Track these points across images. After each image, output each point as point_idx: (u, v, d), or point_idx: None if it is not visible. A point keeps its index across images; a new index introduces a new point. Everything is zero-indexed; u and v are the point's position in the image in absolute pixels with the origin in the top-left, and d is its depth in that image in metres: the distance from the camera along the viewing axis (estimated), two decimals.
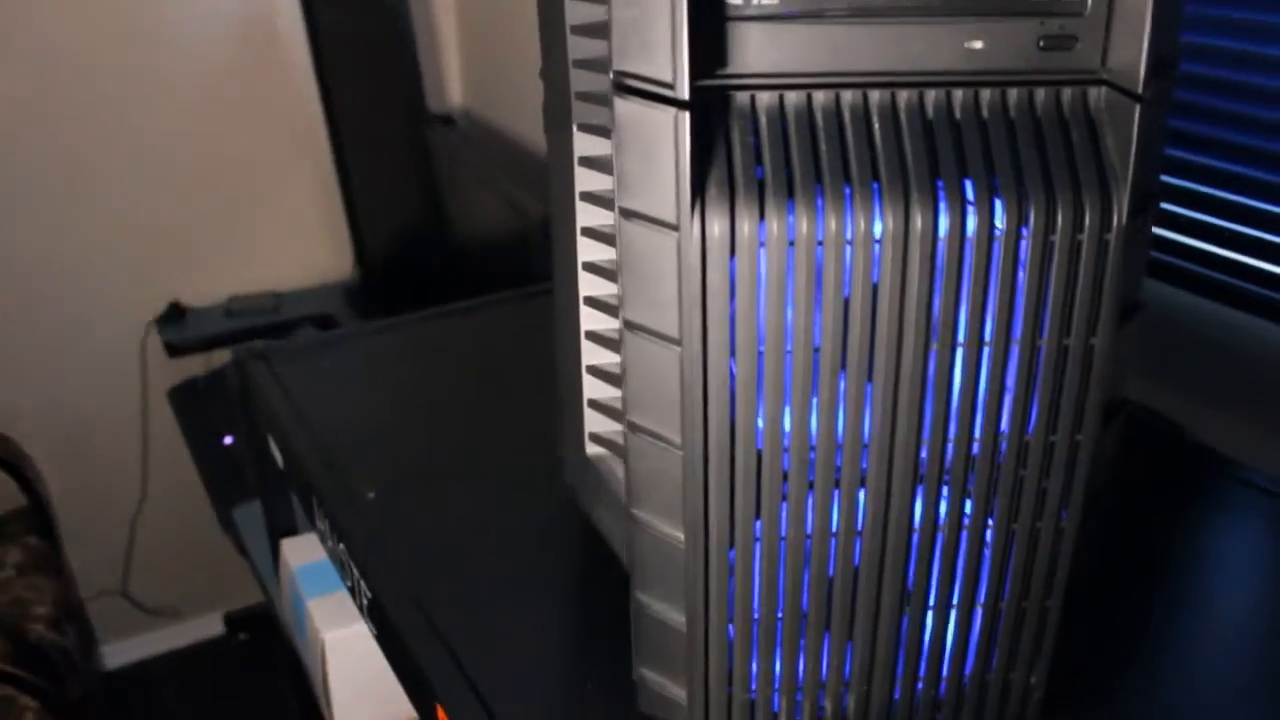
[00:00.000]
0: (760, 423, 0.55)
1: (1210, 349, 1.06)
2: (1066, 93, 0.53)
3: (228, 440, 1.86)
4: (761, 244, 0.51)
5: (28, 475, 1.95)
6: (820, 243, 0.51)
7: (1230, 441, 0.99)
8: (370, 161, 2.01)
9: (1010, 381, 0.55)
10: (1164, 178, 1.09)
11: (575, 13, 0.67)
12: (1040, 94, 0.53)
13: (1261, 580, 0.80)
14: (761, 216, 0.50)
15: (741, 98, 0.51)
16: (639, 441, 0.57)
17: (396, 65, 1.77)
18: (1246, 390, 1.03)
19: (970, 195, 0.51)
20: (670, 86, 0.49)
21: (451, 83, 2.18)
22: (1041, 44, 0.52)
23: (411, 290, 1.98)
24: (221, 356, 2.08)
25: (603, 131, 0.67)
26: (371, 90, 1.91)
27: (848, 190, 0.51)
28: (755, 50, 0.51)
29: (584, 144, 0.70)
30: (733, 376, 0.53)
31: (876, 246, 0.51)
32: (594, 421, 0.78)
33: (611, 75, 0.51)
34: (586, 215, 0.72)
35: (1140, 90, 0.50)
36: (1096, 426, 0.57)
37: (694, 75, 0.50)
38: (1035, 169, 0.51)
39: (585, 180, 0.71)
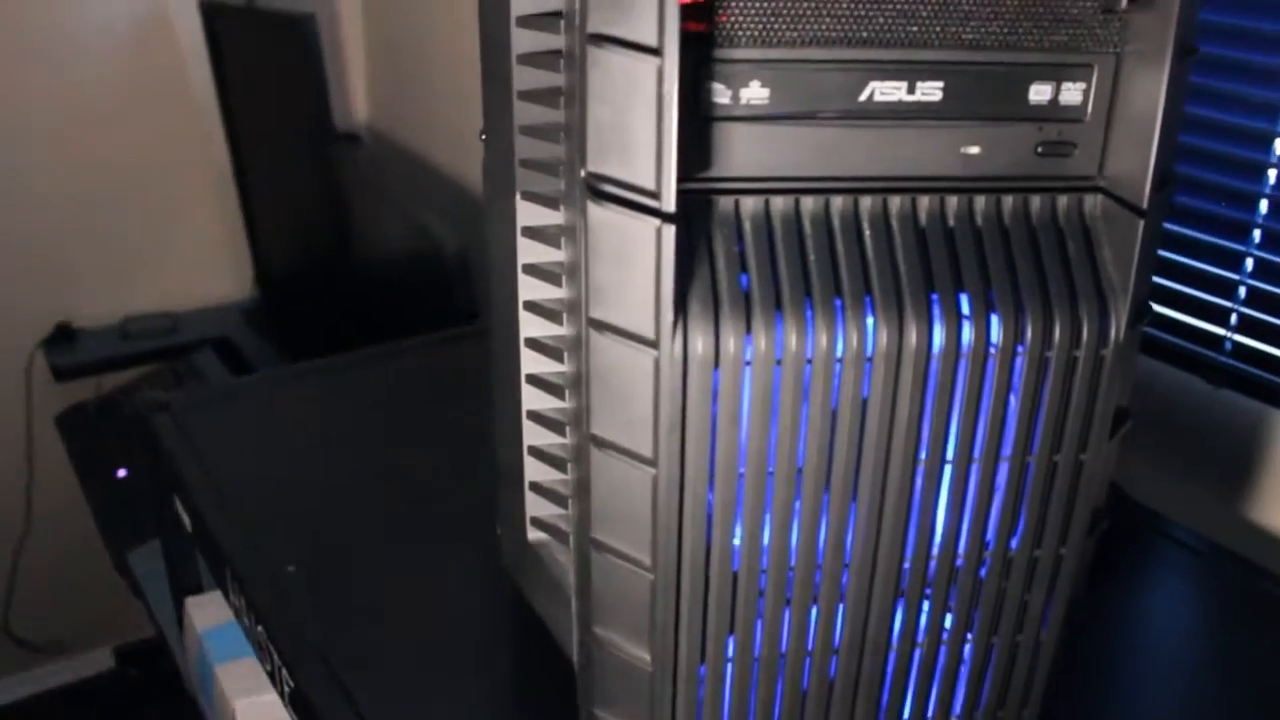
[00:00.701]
0: (738, 541, 0.51)
1: (1149, 405, 1.06)
2: (1062, 199, 0.50)
3: (122, 473, 1.76)
4: (747, 362, 0.47)
5: None
6: (809, 361, 0.47)
7: (1162, 497, 0.99)
8: (272, 179, 1.93)
9: (998, 497, 0.52)
10: None
11: (524, 78, 0.63)
12: (1036, 200, 0.50)
13: (1194, 638, 0.80)
14: (748, 331, 0.47)
15: (725, 202, 0.48)
16: (604, 561, 0.53)
17: (301, 81, 1.70)
18: (1180, 447, 1.03)
19: (966, 310, 0.48)
20: (654, 196, 0.45)
21: (357, 99, 2.11)
22: (1040, 150, 0.49)
23: (314, 314, 1.90)
24: (114, 380, 1.98)
25: (550, 202, 0.63)
26: (274, 106, 1.84)
27: (838, 304, 0.47)
28: (741, 152, 0.47)
29: (528, 214, 0.65)
30: (711, 499, 0.50)
31: (868, 364, 0.48)
32: (536, 505, 0.73)
33: (584, 174, 0.47)
34: (529, 289, 0.67)
35: (1145, 205, 0.48)
36: (1081, 539, 0.54)
37: (676, 177, 0.46)
38: (1032, 282, 0.49)
39: (529, 252, 0.66)
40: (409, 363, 1.17)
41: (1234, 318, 1.00)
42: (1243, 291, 0.99)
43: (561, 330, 0.63)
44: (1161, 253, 1.04)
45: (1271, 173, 0.95)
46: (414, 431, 1.03)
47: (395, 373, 1.15)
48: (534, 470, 0.72)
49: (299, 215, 1.90)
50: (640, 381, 0.48)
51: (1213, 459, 1.01)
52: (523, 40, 0.60)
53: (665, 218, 0.45)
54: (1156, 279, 1.05)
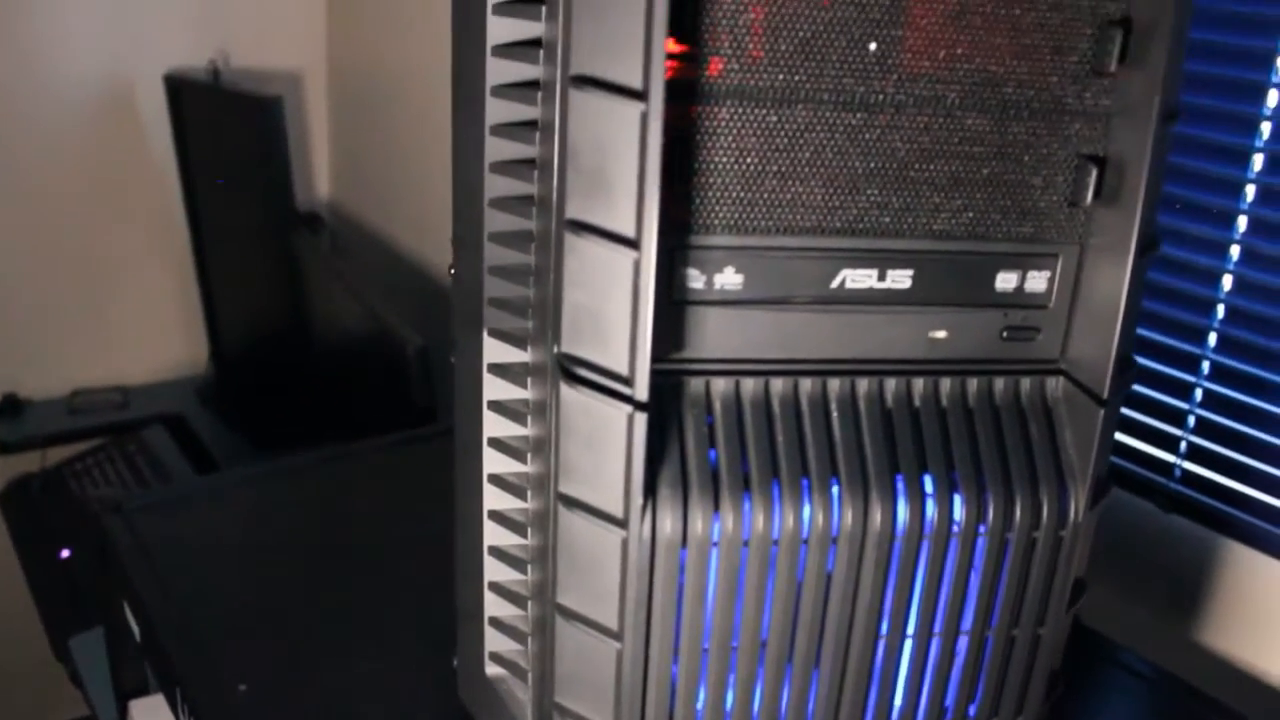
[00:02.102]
0: (700, 707, 0.51)
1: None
2: (1026, 382, 0.51)
3: (65, 554, 1.73)
4: (714, 543, 0.47)
5: None
6: (775, 541, 0.48)
7: (1112, 621, 1.00)
8: (231, 256, 1.92)
9: (957, 667, 0.53)
10: None
11: (494, 221, 0.63)
12: (1000, 383, 0.51)
13: None
14: (715, 512, 0.47)
15: (696, 383, 0.48)
16: None
17: (264, 162, 1.70)
18: (1132, 570, 1.04)
19: (930, 490, 0.49)
20: (628, 383, 0.45)
21: (321, 178, 2.11)
22: (1004, 334, 0.50)
23: (269, 395, 1.89)
24: (58, 454, 1.95)
25: (517, 341, 0.64)
26: (236, 184, 1.83)
27: (805, 484, 0.48)
28: (713, 335, 0.48)
29: (495, 351, 0.66)
30: (675, 671, 0.50)
31: (832, 546, 0.48)
32: (495, 640, 0.73)
33: (556, 351, 0.47)
34: (493, 425, 0.67)
35: (1105, 395, 0.49)
36: (1038, 705, 0.55)
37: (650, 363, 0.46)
38: (995, 464, 0.50)
39: (494, 389, 0.67)
40: (366, 466, 1.16)
41: (1183, 445, 1.02)
42: (1192, 420, 1.01)
43: (521, 468, 0.63)
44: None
45: (1220, 307, 0.97)
46: (371, 542, 1.02)
47: (353, 477, 1.14)
48: (494, 605, 0.72)
49: (257, 294, 1.89)
50: (608, 558, 0.48)
51: (1163, 583, 1.03)
52: (496, 185, 0.61)
53: (638, 405, 0.45)
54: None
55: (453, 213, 0.70)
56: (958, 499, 0.49)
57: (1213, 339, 0.99)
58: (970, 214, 0.48)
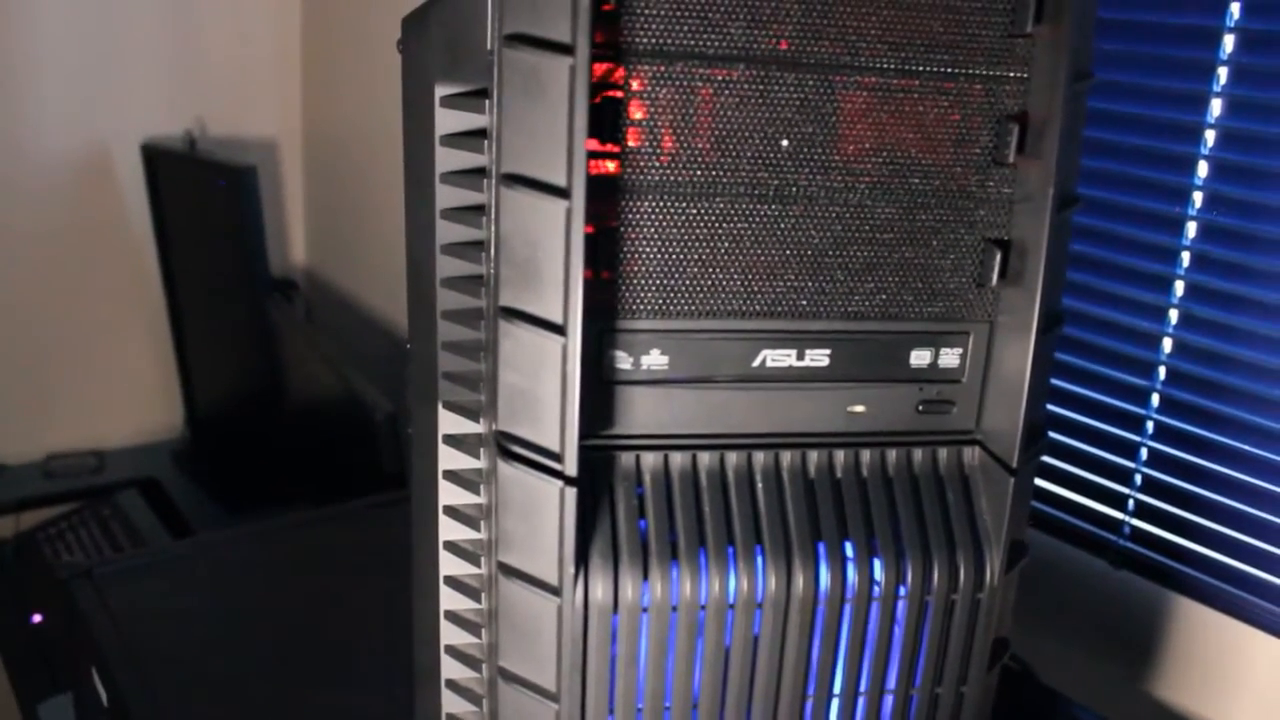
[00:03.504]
0: None
1: (1055, 585, 1.10)
2: (943, 452, 0.54)
3: (37, 619, 1.73)
4: (644, 608, 0.50)
5: None
6: (703, 606, 0.50)
7: (1067, 678, 1.02)
8: (206, 322, 1.94)
9: None
10: None
11: (446, 299, 0.66)
12: (918, 454, 0.54)
13: None
14: (645, 579, 0.50)
15: (627, 457, 0.51)
16: None
17: (239, 230, 1.73)
18: (1085, 627, 1.06)
19: (850, 555, 0.52)
20: (558, 458, 0.48)
21: (296, 245, 2.14)
22: (920, 408, 0.53)
23: (243, 460, 1.90)
24: (32, 518, 1.95)
25: (470, 413, 0.66)
26: (212, 250, 1.86)
27: (730, 551, 0.50)
28: (642, 412, 0.51)
29: (449, 423, 0.68)
30: None
31: (758, 610, 0.51)
32: (451, 702, 0.75)
33: (494, 432, 0.50)
34: (448, 494, 0.70)
35: (1014, 464, 0.52)
36: None
37: (580, 436, 0.49)
38: (913, 530, 0.52)
39: (449, 459, 0.69)
40: (335, 531, 1.18)
41: (1131, 503, 1.05)
42: (1138, 479, 1.04)
43: (474, 535, 0.65)
44: (1063, 438, 1.09)
45: (1161, 369, 1.00)
46: (338, 606, 1.04)
47: (321, 542, 1.16)
48: (450, 668, 0.74)
49: (232, 359, 1.91)
50: (544, 624, 0.50)
51: (1115, 639, 1.05)
52: (447, 266, 0.64)
53: (568, 480, 0.48)
54: (1058, 464, 1.10)
55: (407, 291, 0.73)
56: (878, 564, 0.52)
57: (1155, 399, 1.02)
58: (883, 296, 0.51)
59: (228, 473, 1.93)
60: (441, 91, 0.56)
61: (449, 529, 0.70)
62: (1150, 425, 1.03)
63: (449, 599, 0.72)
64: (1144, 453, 1.03)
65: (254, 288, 1.75)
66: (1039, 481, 1.11)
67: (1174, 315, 0.99)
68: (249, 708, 0.91)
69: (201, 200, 1.83)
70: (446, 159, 0.57)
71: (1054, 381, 1.09)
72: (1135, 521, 1.05)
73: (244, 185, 1.69)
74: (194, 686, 0.93)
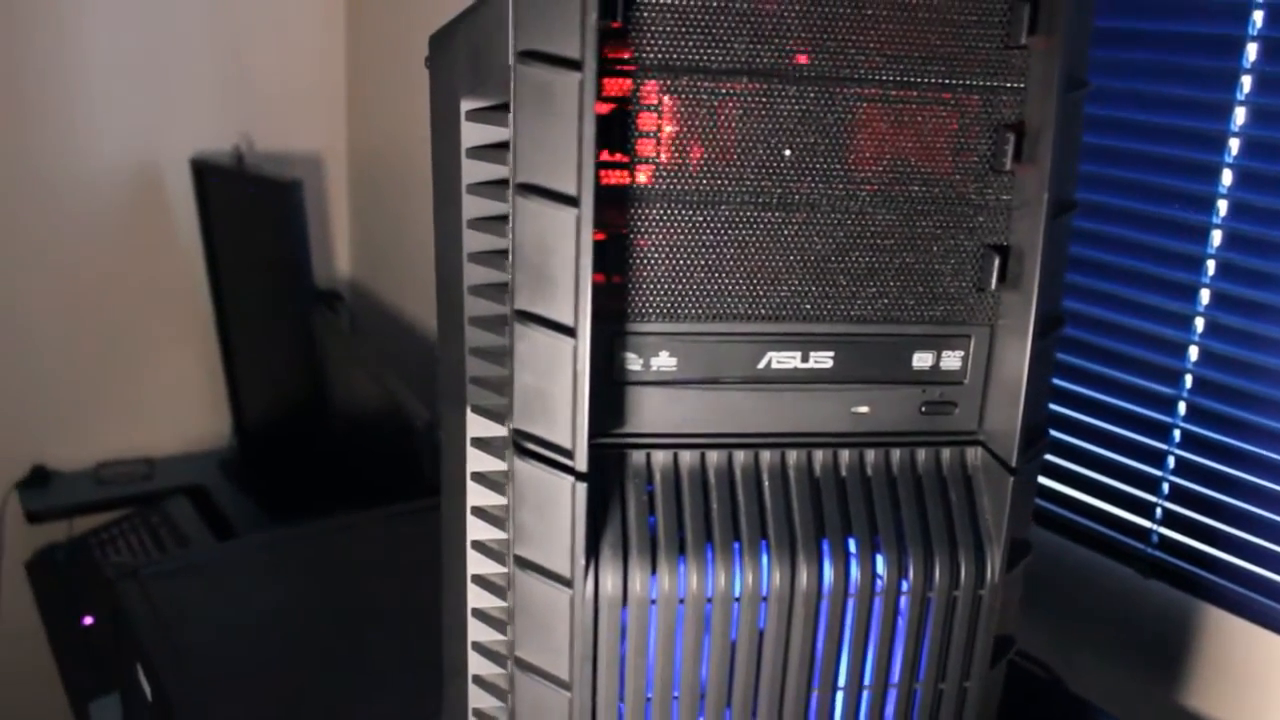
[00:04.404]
0: None
1: (1085, 595, 1.10)
2: (946, 452, 0.55)
3: (88, 621, 1.78)
4: (653, 600, 0.52)
5: None
6: (709, 599, 0.52)
7: (1098, 687, 1.03)
8: (253, 332, 1.99)
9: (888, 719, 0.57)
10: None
11: (473, 306, 0.68)
12: (921, 454, 0.55)
13: None
14: (653, 572, 0.52)
15: (638, 455, 0.53)
16: None
17: (284, 242, 1.77)
18: (1115, 637, 1.07)
19: (854, 552, 0.53)
20: (569, 455, 0.50)
21: (341, 257, 2.18)
22: (923, 409, 0.55)
23: (288, 468, 1.94)
24: (84, 524, 2.00)
25: (497, 417, 0.68)
26: (258, 262, 1.90)
27: (736, 547, 0.52)
28: (652, 412, 0.53)
29: (477, 426, 0.70)
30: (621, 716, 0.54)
31: (763, 603, 0.53)
32: (478, 697, 0.77)
33: (511, 430, 0.52)
34: (476, 495, 0.72)
35: (1014, 464, 0.53)
36: None
37: (592, 435, 0.51)
38: (915, 528, 0.54)
39: (477, 461, 0.71)
40: (374, 535, 1.21)
41: (1159, 511, 1.05)
42: (1166, 487, 1.05)
43: (506, 535, 0.67)
44: (1090, 446, 1.10)
45: (1188, 377, 1.01)
46: (376, 607, 1.07)
47: (360, 546, 1.19)
48: (476, 664, 0.76)
49: (277, 369, 1.95)
50: (558, 615, 0.53)
51: (1144, 648, 1.05)
52: (473, 274, 0.66)
53: (579, 475, 0.50)
54: (1086, 471, 1.10)
55: (436, 298, 0.75)
56: (880, 560, 0.53)
57: (1182, 407, 1.02)
58: (885, 300, 0.53)
59: (273, 480, 1.97)
60: (467, 106, 0.58)
61: (476, 529, 0.72)
62: (1177, 433, 1.03)
63: (476, 597, 0.74)
64: (1171, 461, 1.04)
65: (298, 299, 1.79)
66: (1066, 489, 1.12)
67: (1200, 323, 1.00)
68: (286, 703, 0.94)
69: (248, 213, 1.88)
70: (472, 170, 0.60)
71: (1080, 389, 1.10)
72: (1164, 530, 1.05)
73: (288, 199, 1.73)
74: (236, 685, 0.96)
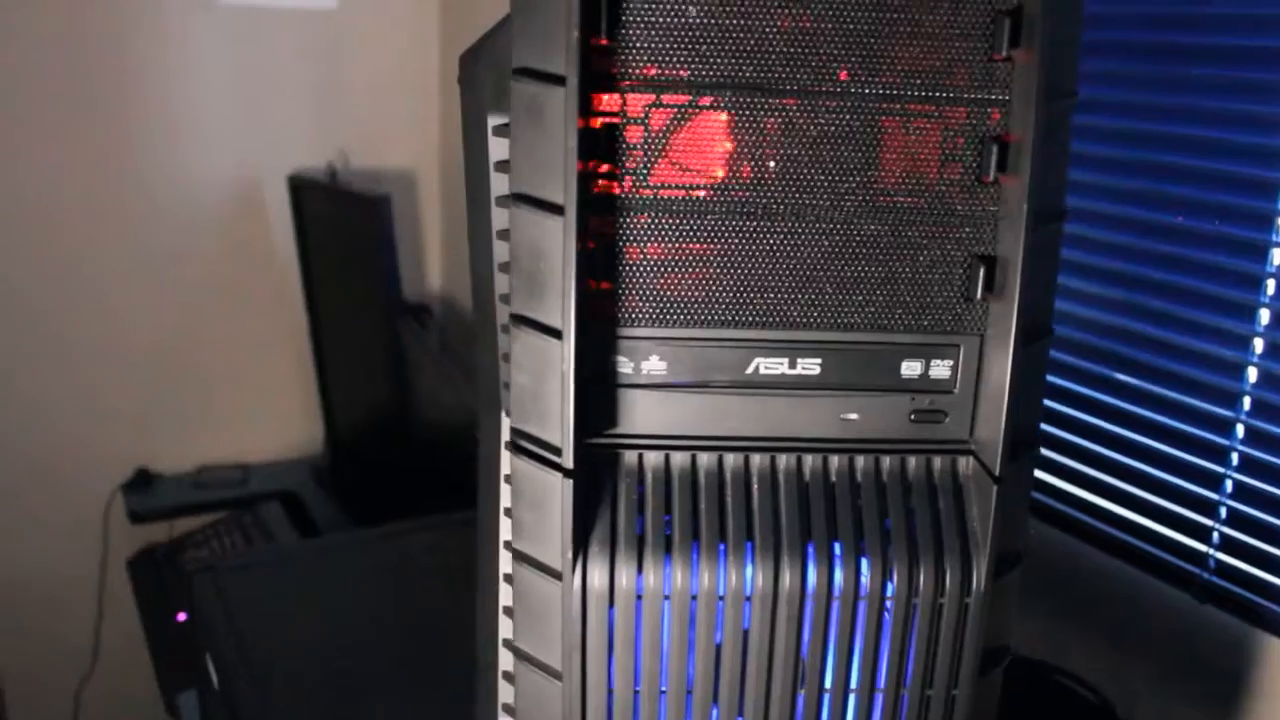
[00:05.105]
0: None
1: (1138, 618, 1.09)
2: (937, 460, 0.56)
3: (182, 617, 1.86)
4: (639, 596, 0.54)
5: None
6: (694, 597, 0.54)
7: (1149, 715, 1.01)
8: (345, 344, 2.05)
9: None
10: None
11: (504, 313, 0.71)
12: (912, 461, 0.56)
13: None
14: (639, 570, 0.54)
15: (630, 455, 0.55)
16: None
17: (374, 256, 1.83)
18: (1169, 663, 1.05)
19: (839, 555, 0.55)
20: (558, 453, 0.53)
21: (432, 271, 2.24)
22: (913, 417, 0.56)
23: (376, 476, 2.00)
24: (184, 525, 2.09)
25: None
26: (350, 276, 1.97)
27: (722, 547, 0.54)
28: (644, 413, 0.55)
29: (510, 429, 0.73)
30: (610, 711, 0.56)
31: (747, 603, 0.54)
32: (507, 692, 0.79)
33: (510, 429, 0.55)
34: (509, 497, 0.75)
35: (998, 472, 0.54)
36: None
37: (585, 435, 0.54)
38: (901, 534, 0.55)
39: (510, 463, 0.74)
40: (448, 543, 1.24)
41: (1216, 536, 1.04)
42: (1223, 511, 1.03)
43: None
44: (1145, 467, 1.08)
45: (1246, 399, 0.99)
46: (441, 609, 1.10)
47: (436, 553, 1.22)
48: (506, 660, 0.79)
49: (366, 380, 2.01)
50: (550, 607, 0.55)
51: (1199, 675, 1.03)
52: (503, 283, 0.69)
53: (566, 473, 0.52)
54: (1141, 493, 1.09)
55: (472, 306, 0.78)
56: (865, 564, 0.54)
57: (1240, 430, 1.01)
58: (872, 309, 0.54)
59: (361, 489, 2.03)
60: (494, 122, 0.61)
61: (509, 529, 0.75)
62: (1235, 456, 1.01)
63: (507, 595, 0.77)
64: (1229, 484, 1.02)
65: (387, 312, 1.85)
66: (1121, 509, 1.10)
67: (1259, 344, 0.98)
68: (351, 705, 0.98)
69: (341, 228, 1.94)
70: (499, 183, 0.62)
71: (1137, 409, 1.09)
72: (1220, 555, 1.03)
73: (378, 214, 1.79)
74: (296, 687, 1.00)
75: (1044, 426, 1.19)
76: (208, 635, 1.10)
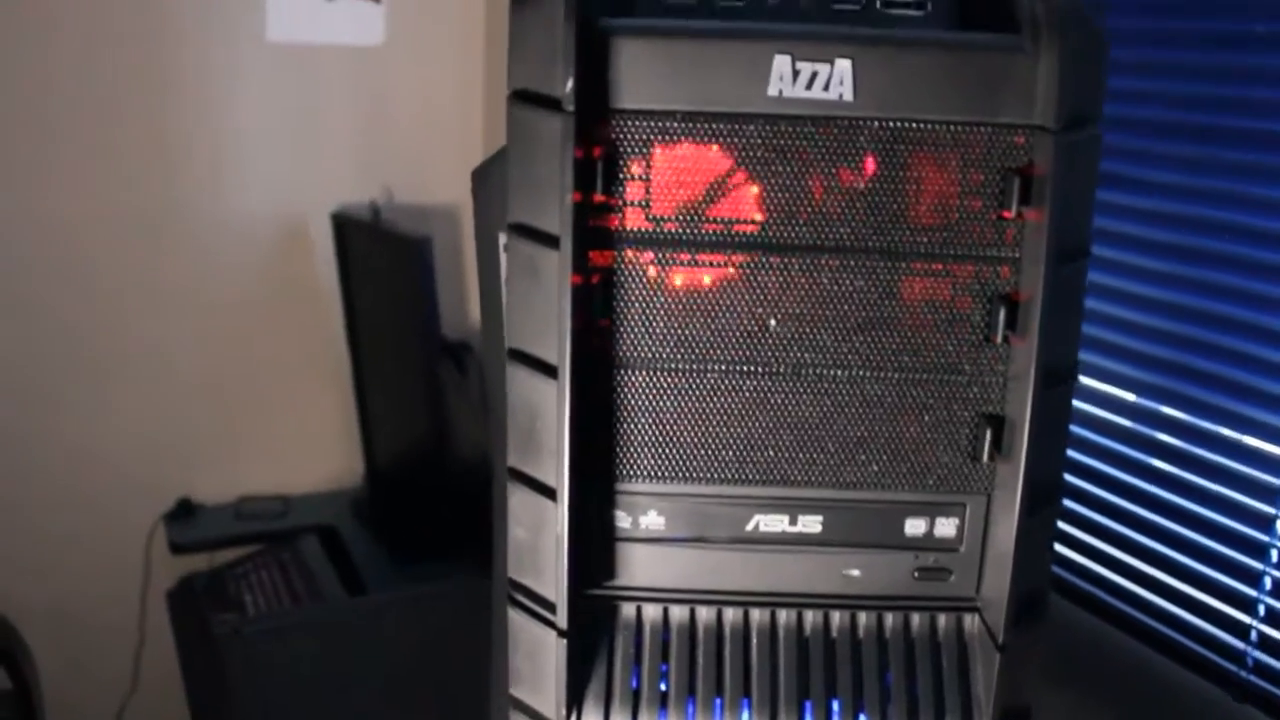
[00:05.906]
0: None
1: (1173, 715, 1.06)
2: (941, 618, 0.55)
3: None
4: None
5: (18, 659, 1.96)
6: None
7: None
8: (385, 381, 2.06)
9: None
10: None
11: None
12: (916, 618, 0.55)
13: None
14: None
15: (628, 608, 0.54)
16: None
17: (415, 295, 1.84)
18: None
19: (836, 713, 0.53)
20: (553, 609, 0.52)
21: (473, 306, 2.24)
22: (917, 574, 0.54)
23: (414, 512, 2.00)
24: (224, 556, 2.11)
25: None
26: (391, 313, 1.98)
27: (718, 703, 0.53)
28: (643, 567, 0.54)
29: None
30: None
31: None
32: None
33: (508, 584, 0.54)
34: None
35: (1001, 640, 0.52)
36: None
37: (582, 586, 0.53)
38: (902, 692, 0.54)
39: None
40: (476, 601, 1.24)
41: (1254, 634, 1.01)
42: (1261, 609, 1.00)
43: None
44: (1183, 559, 1.06)
45: None
46: (468, 682, 1.10)
47: (463, 613, 1.22)
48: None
49: (406, 417, 2.02)
50: None
51: None
52: None
53: (560, 632, 0.52)
54: (1177, 584, 1.07)
55: (483, 356, 0.78)
56: None
57: None
58: (875, 468, 0.53)
59: (400, 525, 2.03)
60: (504, 240, 0.60)
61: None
62: (1275, 554, 0.99)
63: None
64: (1268, 582, 0.99)
65: (426, 350, 1.85)
66: (1159, 600, 1.08)
67: None
68: None
69: (382, 267, 1.95)
70: None
71: (1178, 499, 1.06)
72: (1258, 654, 1.01)
73: (418, 255, 1.79)
74: None
75: (1083, 510, 1.16)
76: (234, 704, 1.11)
